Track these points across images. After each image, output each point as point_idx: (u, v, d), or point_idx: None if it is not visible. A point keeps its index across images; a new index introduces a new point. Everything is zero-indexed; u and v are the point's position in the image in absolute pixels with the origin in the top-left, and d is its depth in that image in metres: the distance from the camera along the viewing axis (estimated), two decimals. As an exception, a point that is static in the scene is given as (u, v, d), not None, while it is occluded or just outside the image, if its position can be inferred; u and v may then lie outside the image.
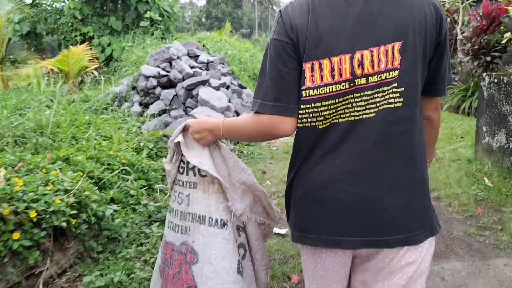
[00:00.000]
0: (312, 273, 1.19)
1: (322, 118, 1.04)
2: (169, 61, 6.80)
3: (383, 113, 1.03)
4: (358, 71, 1.01)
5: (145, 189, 3.90)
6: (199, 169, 1.44)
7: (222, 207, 1.43)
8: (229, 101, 6.67)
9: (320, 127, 1.05)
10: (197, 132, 1.35)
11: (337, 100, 1.02)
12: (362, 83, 1.01)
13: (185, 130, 1.44)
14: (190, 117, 5.44)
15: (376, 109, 1.03)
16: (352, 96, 1.02)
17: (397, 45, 1.00)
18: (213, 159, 1.40)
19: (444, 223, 3.36)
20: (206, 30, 20.17)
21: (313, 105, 1.03)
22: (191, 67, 6.77)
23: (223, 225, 1.43)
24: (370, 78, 1.01)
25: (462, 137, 5.93)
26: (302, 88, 1.03)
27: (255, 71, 10.91)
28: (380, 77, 1.01)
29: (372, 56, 1.00)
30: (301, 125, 1.08)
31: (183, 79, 6.52)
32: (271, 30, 1.09)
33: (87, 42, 12.13)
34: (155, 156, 4.90)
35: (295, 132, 1.12)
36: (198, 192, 1.46)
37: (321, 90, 1.02)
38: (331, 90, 1.01)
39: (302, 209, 1.13)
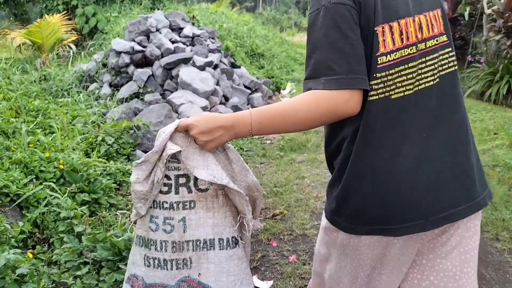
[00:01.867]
0: (372, 267, 1.11)
1: (395, 86, 0.99)
2: (147, 34, 5.73)
3: (448, 78, 1.04)
4: (419, 35, 1.01)
5: (88, 206, 2.93)
6: (195, 183, 1.24)
7: (229, 222, 1.26)
8: (217, 84, 5.63)
9: (392, 96, 0.99)
10: (207, 132, 1.08)
11: (407, 66, 0.99)
12: (423, 48, 1.01)
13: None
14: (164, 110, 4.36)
15: (439, 74, 1.03)
16: (420, 61, 1.01)
17: (439, 12, 1.05)
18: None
19: (493, 269, 2.39)
20: (210, 3, 18.83)
21: (387, 72, 0.98)
22: (173, 42, 5.70)
23: (236, 243, 1.28)
24: (428, 42, 1.02)
25: (495, 134, 4.89)
26: (376, 54, 0.97)
27: (253, 47, 9.79)
28: (437, 41, 1.03)
29: (426, 20, 1.02)
30: (376, 97, 0.99)
31: (162, 56, 5.47)
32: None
33: (70, 12, 11.03)
34: (115, 154, 3.90)
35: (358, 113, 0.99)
36: (198, 212, 1.25)
37: (394, 55, 0.98)
38: (402, 55, 0.99)
39: (379, 200, 1.02)
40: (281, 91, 7.57)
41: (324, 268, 1.26)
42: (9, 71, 5.19)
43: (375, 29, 0.96)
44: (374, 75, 0.97)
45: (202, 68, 5.50)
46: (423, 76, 1.01)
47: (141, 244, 1.29)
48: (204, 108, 5.05)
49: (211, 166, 1.17)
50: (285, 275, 2.34)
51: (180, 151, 1.17)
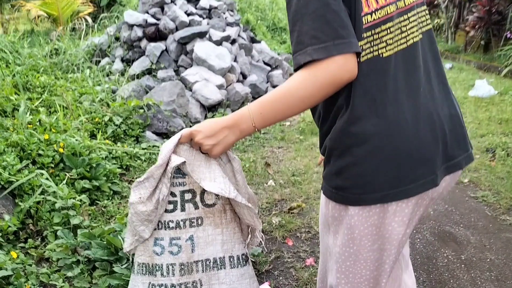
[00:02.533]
0: (392, 237, 1.04)
1: (384, 44, 0.98)
2: (161, 5, 5.39)
3: (427, 34, 1.06)
4: None
5: (88, 194, 2.69)
6: (202, 199, 1.18)
7: (238, 238, 1.22)
8: (235, 60, 5.29)
9: (384, 55, 0.98)
10: (211, 136, 1.04)
11: (393, 23, 0.99)
12: (402, 6, 1.01)
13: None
14: (177, 87, 4.09)
15: (421, 31, 1.04)
16: (403, 18, 1.01)
17: None
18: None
19: None
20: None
21: (373, 31, 0.97)
22: (188, 14, 5.36)
23: (246, 261, 1.24)
24: (406, 0, 1.02)
25: (538, 119, 4.44)
26: (361, 15, 0.95)
27: (274, 21, 9.33)
28: None
29: None
30: (365, 57, 0.96)
31: (176, 30, 5.14)
32: None
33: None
34: (122, 136, 3.66)
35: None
36: (206, 229, 1.19)
37: (379, 14, 0.97)
38: (387, 12, 0.98)
39: (390, 163, 0.98)
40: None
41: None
42: (18, 44, 4.96)
43: None
44: (362, 35, 0.95)
45: (218, 43, 5.16)
46: (409, 32, 1.02)
47: (144, 272, 1.20)
48: (220, 87, 4.74)
49: (218, 179, 1.11)
50: (301, 282, 2.07)
51: (185, 162, 1.10)
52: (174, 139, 1.11)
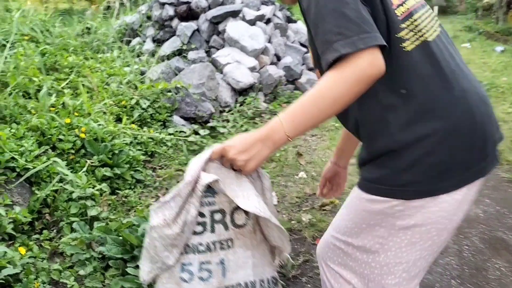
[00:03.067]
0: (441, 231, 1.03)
1: (425, 29, 1.01)
2: (194, -17, 5.16)
3: (442, 32, 1.07)
4: None
5: (110, 183, 2.57)
6: (232, 219, 1.11)
7: (268, 260, 1.16)
8: (269, 41, 5.02)
9: (429, 38, 1.00)
10: (244, 151, 1.00)
11: (421, 12, 1.03)
12: (412, 3, 1.03)
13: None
14: (208, 70, 3.93)
15: (437, 27, 1.05)
16: (424, 10, 1.05)
17: None
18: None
19: None
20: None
21: (411, 19, 0.99)
22: (222, -8, 5.11)
23: (276, 284, 1.18)
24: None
25: None
26: (392, 8, 0.98)
27: None
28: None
29: None
30: (413, 45, 0.98)
31: (209, 8, 4.92)
32: None
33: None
34: (149, 120, 3.51)
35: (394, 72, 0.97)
36: (237, 251, 1.12)
37: (406, 5, 1.01)
38: (412, 4, 1.02)
39: (464, 144, 0.98)
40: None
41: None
42: (49, 23, 4.89)
43: None
44: (400, 26, 0.97)
45: (252, 22, 4.91)
46: (433, 22, 1.05)
47: None
48: (252, 69, 4.51)
49: (251, 197, 1.04)
50: (331, 292, 1.86)
51: (218, 180, 1.02)
52: (203, 155, 1.04)
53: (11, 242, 1.97)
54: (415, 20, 0.99)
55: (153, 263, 1.06)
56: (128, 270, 1.76)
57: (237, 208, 1.09)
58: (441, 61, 0.98)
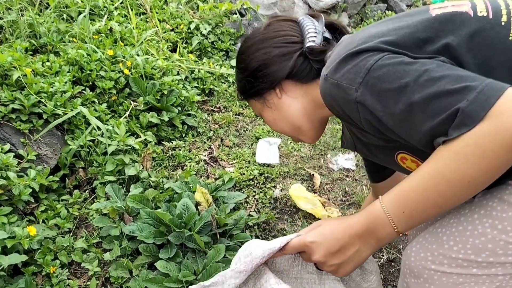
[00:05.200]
0: None
1: None
2: None
3: None
4: None
5: (156, 130, 2.17)
6: None
7: None
8: None
9: None
10: (337, 252, 0.77)
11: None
12: None
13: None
14: None
15: None
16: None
17: None
18: None
19: None
20: None
21: None
22: None
23: None
24: None
25: None
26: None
27: None
28: None
29: None
30: None
31: None
32: None
33: None
34: (209, 49, 3.00)
35: None
36: None
37: None
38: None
39: None
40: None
41: None
42: None
43: None
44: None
45: None
46: None
47: None
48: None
49: None
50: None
51: None
52: (273, 244, 0.79)
53: (37, 204, 1.69)
54: None
55: None
56: (159, 263, 1.39)
57: None
58: None
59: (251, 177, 1.97)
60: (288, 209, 1.86)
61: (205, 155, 2.15)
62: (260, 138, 2.30)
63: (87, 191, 1.84)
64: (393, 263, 1.60)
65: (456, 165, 0.66)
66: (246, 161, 2.10)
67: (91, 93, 2.09)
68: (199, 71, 2.67)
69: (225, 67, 2.84)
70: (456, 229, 0.81)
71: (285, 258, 0.85)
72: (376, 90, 0.73)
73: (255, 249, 0.78)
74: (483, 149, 0.64)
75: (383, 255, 1.61)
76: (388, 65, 0.72)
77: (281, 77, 0.98)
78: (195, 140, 2.27)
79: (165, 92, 2.28)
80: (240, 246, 1.59)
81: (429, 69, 0.69)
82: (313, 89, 0.99)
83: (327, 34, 0.99)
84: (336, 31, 1.03)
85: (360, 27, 3.71)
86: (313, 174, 2.05)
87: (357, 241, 0.77)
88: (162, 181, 1.86)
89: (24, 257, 1.34)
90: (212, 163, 2.11)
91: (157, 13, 3.03)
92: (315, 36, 0.96)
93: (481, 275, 0.81)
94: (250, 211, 1.81)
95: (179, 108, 2.30)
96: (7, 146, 1.65)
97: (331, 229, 0.79)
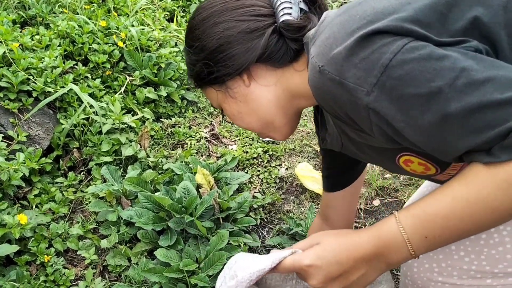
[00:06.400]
0: None
1: None
2: None
3: None
4: None
5: (154, 106, 2.06)
6: None
7: None
8: None
9: None
10: (339, 276, 0.65)
11: None
12: None
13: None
14: None
15: None
16: None
17: None
18: None
19: None
20: None
21: None
22: None
23: None
24: None
25: None
26: None
27: None
28: None
29: None
30: None
31: None
32: None
33: None
34: None
35: None
36: None
37: None
38: None
39: None
40: None
41: None
42: None
43: None
44: None
45: None
46: None
47: None
48: None
49: None
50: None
51: None
52: (261, 265, 0.66)
53: (29, 188, 1.60)
54: None
55: None
56: (159, 251, 1.31)
57: None
58: None
59: (255, 155, 1.87)
60: (294, 189, 1.77)
61: (206, 132, 2.04)
62: (263, 113, 2.19)
63: (82, 173, 1.75)
64: (394, 272, 1.52)
65: (504, 194, 0.54)
66: (249, 138, 1.99)
67: (83, 68, 1.97)
68: (198, 42, 2.52)
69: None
70: (467, 238, 0.72)
71: (278, 281, 0.75)
72: (396, 96, 0.57)
73: (241, 271, 0.67)
74: None
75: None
76: (413, 60, 0.56)
77: (249, 60, 0.76)
78: (196, 116, 2.16)
79: (163, 65, 2.15)
80: (245, 232, 1.52)
81: (467, 68, 0.54)
82: (289, 75, 0.79)
83: (303, 6, 0.78)
84: (314, 3, 0.80)
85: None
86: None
87: (364, 266, 0.64)
88: (161, 161, 1.76)
89: (15, 247, 1.26)
90: (213, 141, 2.01)
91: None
92: (291, 8, 0.75)
93: (496, 286, 0.74)
94: (255, 192, 1.72)
95: (178, 82, 2.18)
96: (-6, 128, 1.56)
97: (333, 251, 0.65)
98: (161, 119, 2.06)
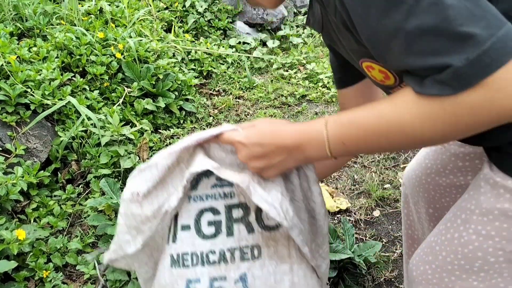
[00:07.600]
0: None
1: None
2: None
3: None
4: None
5: (152, 118, 2.06)
6: (258, 217, 0.82)
7: (316, 280, 0.85)
8: None
9: None
10: (261, 156, 0.74)
11: None
12: None
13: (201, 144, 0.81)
14: None
15: None
16: None
17: None
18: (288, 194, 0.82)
19: None
20: None
21: None
22: None
23: None
24: None
25: None
26: None
27: None
28: None
29: None
30: None
31: None
32: None
33: None
34: (206, 28, 2.84)
35: None
36: (266, 264, 0.80)
37: None
38: None
39: None
40: None
41: None
42: None
43: None
44: None
45: None
46: None
47: None
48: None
49: (272, 193, 0.76)
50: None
51: (219, 167, 0.75)
52: (209, 131, 0.78)
53: (27, 202, 1.59)
54: None
55: (115, 244, 0.82)
56: (159, 266, 1.30)
57: None
58: None
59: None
60: (293, 200, 1.77)
61: (204, 143, 2.04)
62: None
63: (81, 186, 1.74)
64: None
65: (421, 125, 0.58)
66: (248, 149, 1.99)
67: (81, 79, 1.97)
68: (196, 52, 2.53)
69: (223, 47, 2.70)
70: (445, 237, 0.76)
71: (220, 151, 0.81)
72: None
73: (190, 137, 0.78)
74: (457, 120, 0.55)
75: (396, 249, 1.53)
76: None
77: None
78: (194, 127, 2.16)
79: (161, 76, 2.16)
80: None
81: None
82: None
83: None
84: None
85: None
86: (319, 161, 1.95)
87: (284, 153, 0.73)
88: (160, 173, 1.76)
89: (13, 264, 1.25)
90: (212, 152, 2.00)
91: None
92: None
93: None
94: (254, 203, 1.72)
95: (176, 93, 2.18)
96: (-8, 141, 1.55)
97: (260, 134, 0.74)
98: (159, 130, 2.06)
